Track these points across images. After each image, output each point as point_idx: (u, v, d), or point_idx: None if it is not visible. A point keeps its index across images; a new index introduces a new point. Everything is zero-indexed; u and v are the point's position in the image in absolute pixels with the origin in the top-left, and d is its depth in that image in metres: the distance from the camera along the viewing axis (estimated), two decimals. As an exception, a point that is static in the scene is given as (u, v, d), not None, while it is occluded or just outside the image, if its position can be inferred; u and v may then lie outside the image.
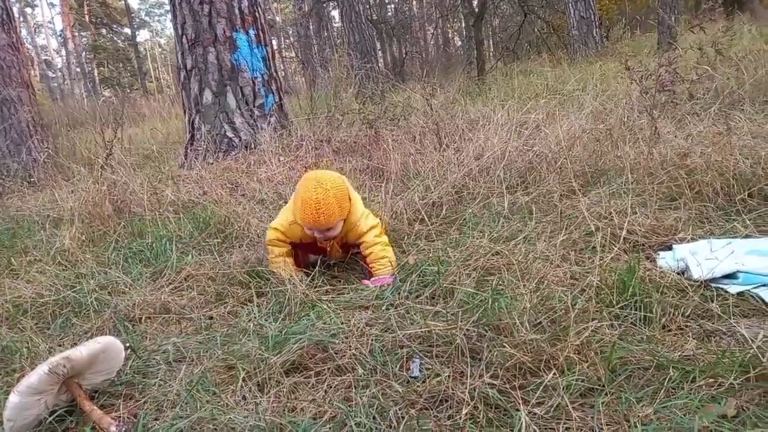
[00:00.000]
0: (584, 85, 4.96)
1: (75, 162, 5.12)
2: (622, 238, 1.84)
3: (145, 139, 6.46)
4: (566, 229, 2.07)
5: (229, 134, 4.44)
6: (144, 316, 2.05)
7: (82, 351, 1.47)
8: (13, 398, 1.37)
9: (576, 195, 2.45)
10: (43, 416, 1.44)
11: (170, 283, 2.29)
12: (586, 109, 3.53)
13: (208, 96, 4.43)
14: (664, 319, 1.47)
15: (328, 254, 2.23)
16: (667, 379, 1.19)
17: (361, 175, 3.68)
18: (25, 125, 5.77)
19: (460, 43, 25.55)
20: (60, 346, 1.89)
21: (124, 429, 1.37)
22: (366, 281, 2.03)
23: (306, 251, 2.30)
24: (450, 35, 27.59)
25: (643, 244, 1.97)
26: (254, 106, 4.51)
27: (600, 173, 2.66)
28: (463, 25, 17.53)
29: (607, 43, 11.42)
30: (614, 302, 1.54)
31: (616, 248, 1.83)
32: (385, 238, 2.12)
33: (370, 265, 2.08)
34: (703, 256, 1.72)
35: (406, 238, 2.54)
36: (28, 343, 1.93)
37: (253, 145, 4.40)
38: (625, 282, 1.59)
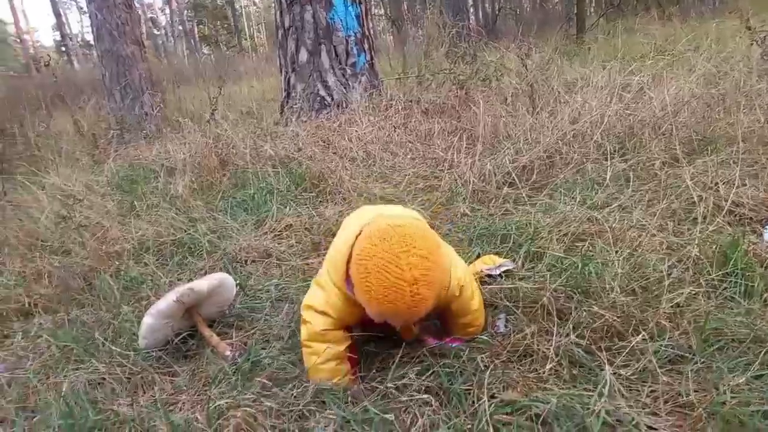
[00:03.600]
0: (697, 45, 4.56)
1: (182, 116, 5.54)
2: (726, 209, 1.75)
3: (243, 96, 6.80)
4: (666, 198, 1.99)
5: (322, 93, 4.58)
6: (249, 259, 2.26)
7: (203, 283, 1.67)
8: (147, 320, 1.60)
9: (680, 163, 2.33)
10: (169, 338, 1.66)
11: (272, 231, 2.49)
12: (698, 72, 3.28)
13: (303, 55, 4.58)
14: (766, 295, 1.41)
15: (396, 333, 1.46)
16: (763, 352, 1.17)
17: (449, 137, 3.69)
18: (138, 81, 6.25)
19: (558, -2, 23.99)
20: (179, 279, 2.14)
21: (237, 353, 1.56)
22: (430, 339, 1.48)
23: (366, 326, 1.43)
24: (547, -10, 25.95)
25: (751, 218, 1.87)
26: (347, 65, 4.60)
27: (708, 142, 2.49)
28: (563, -22, 16.42)
29: (726, -3, 10.27)
30: (713, 274, 1.50)
31: (719, 220, 1.76)
32: (477, 296, 1.46)
33: (452, 328, 1.48)
34: (818, 233, 1.61)
35: (494, 200, 2.56)
36: (152, 276, 2.20)
37: (344, 104, 4.51)
38: (727, 255, 1.54)
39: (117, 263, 2.34)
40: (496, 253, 1.91)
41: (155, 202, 3.09)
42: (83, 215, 2.85)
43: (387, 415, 1.18)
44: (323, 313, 1.31)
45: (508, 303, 1.57)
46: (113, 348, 1.63)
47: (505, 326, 1.50)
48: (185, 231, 2.55)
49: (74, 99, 7.57)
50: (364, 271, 1.13)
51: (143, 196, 3.18)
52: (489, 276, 1.75)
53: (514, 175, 2.67)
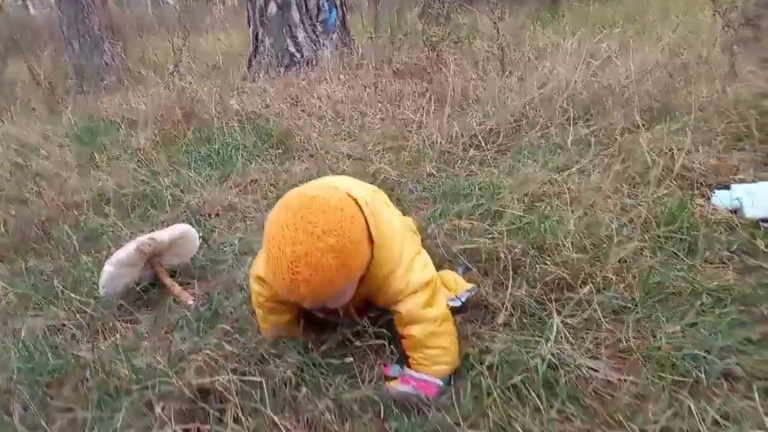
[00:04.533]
0: (666, 15, 4.63)
1: (145, 68, 5.34)
2: (675, 172, 1.83)
3: (210, 49, 6.57)
4: (623, 162, 2.06)
5: (291, 49, 4.47)
6: (213, 213, 2.25)
7: (164, 233, 1.66)
8: (107, 268, 1.59)
9: (638, 130, 2.41)
10: (130, 287, 1.66)
11: (236, 186, 2.47)
12: (663, 42, 3.34)
13: (272, 8, 4.44)
14: (708, 253, 1.50)
15: (342, 317, 1.30)
16: (699, 303, 1.25)
17: (419, 99, 3.68)
18: (97, 29, 5.96)
19: (534, -37, 23.67)
20: (141, 232, 2.11)
21: (200, 303, 1.57)
22: (400, 378, 1.18)
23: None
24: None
25: (701, 183, 1.95)
26: (317, 21, 4.49)
27: (668, 110, 2.57)
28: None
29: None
30: (660, 233, 1.58)
31: (669, 182, 1.84)
32: (440, 311, 1.18)
33: (408, 354, 1.20)
34: (759, 197, 1.70)
35: (459, 162, 2.59)
36: (112, 228, 2.17)
37: (314, 62, 4.43)
38: (675, 215, 1.62)
39: (76, 214, 2.30)
40: (457, 214, 1.94)
41: (116, 154, 3.01)
42: (40, 165, 2.77)
43: (347, 359, 1.22)
44: (261, 280, 1.21)
45: (467, 262, 1.62)
46: (73, 296, 1.62)
47: (464, 273, 1.54)
48: (147, 183, 2.51)
49: (30, 46, 7.19)
50: (264, 237, 1.04)
51: (103, 148, 3.09)
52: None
53: (480, 137, 2.70)
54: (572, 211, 1.70)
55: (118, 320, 1.55)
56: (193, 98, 3.55)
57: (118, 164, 2.81)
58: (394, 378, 1.19)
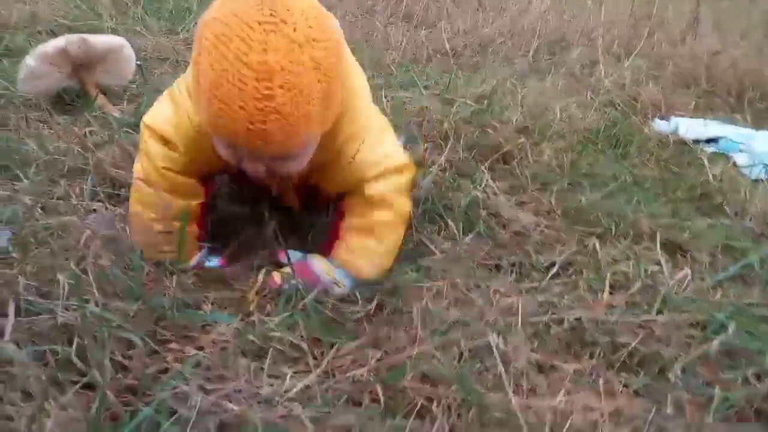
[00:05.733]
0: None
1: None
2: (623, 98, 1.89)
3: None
4: (578, 83, 2.10)
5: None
6: (157, 57, 2.11)
7: (98, 39, 1.54)
8: (29, 61, 1.46)
9: (597, 65, 2.46)
10: (52, 91, 1.54)
11: (186, 41, 2.32)
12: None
13: None
14: (638, 159, 1.57)
15: (273, 194, 1.01)
16: (621, 182, 1.31)
17: (393, 19, 3.60)
18: None
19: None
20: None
21: (127, 116, 1.48)
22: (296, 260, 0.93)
23: (235, 181, 1.07)
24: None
25: (646, 113, 2.03)
26: None
27: (627, 54, 2.64)
28: None
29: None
30: (600, 136, 1.63)
31: (617, 105, 1.90)
32: (410, 208, 0.95)
33: (338, 236, 0.94)
34: (694, 128, 1.79)
35: (420, 67, 2.56)
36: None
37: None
38: (616, 123, 1.67)
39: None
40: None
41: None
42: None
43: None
44: (167, 141, 0.83)
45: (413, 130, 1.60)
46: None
47: (406, 144, 1.53)
48: (86, 18, 2.31)
49: None
50: (198, 43, 0.66)
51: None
52: None
53: (448, 47, 2.68)
54: (521, 105, 1.72)
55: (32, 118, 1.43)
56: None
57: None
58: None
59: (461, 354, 0.77)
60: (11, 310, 0.62)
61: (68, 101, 1.57)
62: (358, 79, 0.87)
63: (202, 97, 0.65)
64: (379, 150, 0.87)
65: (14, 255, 0.80)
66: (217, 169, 0.88)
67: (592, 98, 1.96)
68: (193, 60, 0.67)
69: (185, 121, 0.81)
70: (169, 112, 0.83)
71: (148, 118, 0.85)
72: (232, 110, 0.63)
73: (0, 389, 0.57)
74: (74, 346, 0.63)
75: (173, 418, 0.58)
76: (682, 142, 1.68)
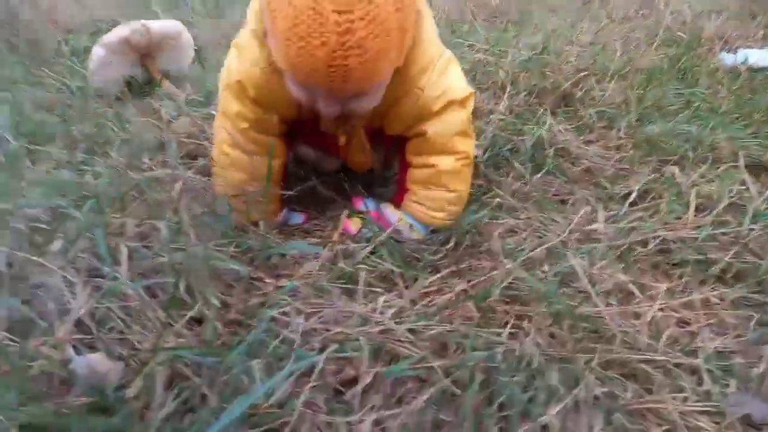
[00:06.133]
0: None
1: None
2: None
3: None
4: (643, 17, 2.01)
5: None
6: (215, 45, 2.18)
7: (158, 24, 1.61)
8: (97, 50, 1.54)
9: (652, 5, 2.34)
10: (120, 78, 1.62)
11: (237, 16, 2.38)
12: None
13: None
14: (710, 90, 1.49)
15: (338, 156, 1.02)
16: (695, 109, 1.26)
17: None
18: None
19: None
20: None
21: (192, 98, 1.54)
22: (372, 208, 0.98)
23: (306, 141, 1.03)
24: None
25: (710, 47, 1.91)
26: None
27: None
28: None
29: None
30: (665, 66, 1.56)
31: (678, 36, 1.81)
32: (472, 147, 0.91)
33: (407, 188, 0.94)
34: (766, 55, 1.69)
35: (466, 26, 2.52)
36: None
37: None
38: (680, 58, 1.59)
39: (67, 36, 2.22)
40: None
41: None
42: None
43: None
44: (241, 91, 0.82)
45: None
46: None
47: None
48: (141, 17, 2.41)
49: None
50: None
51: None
52: None
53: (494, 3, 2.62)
54: (579, 47, 1.66)
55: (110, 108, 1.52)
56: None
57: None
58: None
59: (545, 278, 0.77)
60: (124, 253, 0.67)
61: (136, 89, 1.65)
62: (424, 9, 0.82)
63: (280, 37, 0.64)
64: (445, 82, 0.83)
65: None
66: (289, 117, 0.86)
67: (652, 36, 1.87)
68: (266, 3, 0.66)
69: (253, 67, 0.79)
70: (236, 64, 0.83)
71: (224, 78, 0.85)
72: (311, 47, 0.62)
73: (126, 321, 0.62)
74: (181, 284, 0.67)
75: (278, 339, 0.61)
76: (754, 71, 1.57)
